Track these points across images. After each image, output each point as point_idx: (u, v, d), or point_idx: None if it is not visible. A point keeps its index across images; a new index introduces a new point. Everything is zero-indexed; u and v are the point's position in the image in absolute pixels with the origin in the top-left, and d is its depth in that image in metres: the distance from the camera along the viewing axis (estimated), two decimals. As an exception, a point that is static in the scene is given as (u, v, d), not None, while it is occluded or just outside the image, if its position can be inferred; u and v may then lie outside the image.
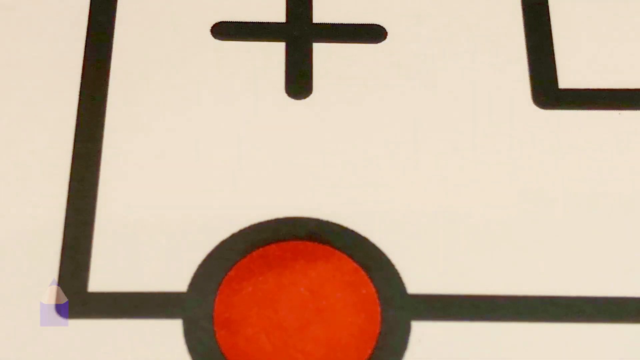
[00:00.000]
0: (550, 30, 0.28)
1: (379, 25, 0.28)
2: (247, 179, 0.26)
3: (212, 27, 0.28)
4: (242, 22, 0.28)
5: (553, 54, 0.28)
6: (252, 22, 0.28)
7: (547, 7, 0.29)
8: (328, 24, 0.28)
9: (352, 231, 0.25)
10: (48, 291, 0.24)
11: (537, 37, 0.28)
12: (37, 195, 0.25)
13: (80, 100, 0.27)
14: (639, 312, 0.24)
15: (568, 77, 0.27)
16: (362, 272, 0.24)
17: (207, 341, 0.24)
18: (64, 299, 0.24)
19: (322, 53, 0.28)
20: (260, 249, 0.25)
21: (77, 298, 0.24)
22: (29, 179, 0.26)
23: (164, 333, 0.24)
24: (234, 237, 0.25)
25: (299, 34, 0.28)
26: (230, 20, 0.28)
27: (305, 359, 0.23)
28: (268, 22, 0.28)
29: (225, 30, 0.28)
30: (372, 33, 0.28)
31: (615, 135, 0.27)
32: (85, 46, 0.28)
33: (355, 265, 0.25)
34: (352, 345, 0.24)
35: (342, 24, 0.28)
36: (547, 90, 0.27)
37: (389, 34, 0.28)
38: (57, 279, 0.24)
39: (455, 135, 0.26)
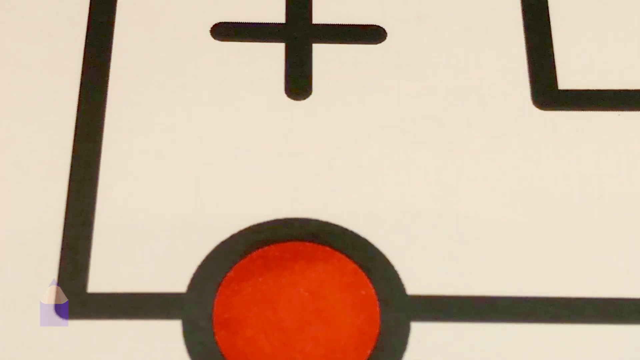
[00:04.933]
0: (550, 31, 0.28)
1: (378, 26, 0.28)
2: (246, 179, 0.26)
3: (212, 28, 0.28)
4: (241, 22, 0.28)
5: (553, 55, 0.28)
6: (252, 23, 0.28)
7: (547, 7, 0.29)
8: (328, 24, 0.28)
9: (352, 232, 0.25)
10: (48, 291, 0.24)
11: (537, 37, 0.28)
12: (37, 195, 0.25)
13: (80, 100, 0.27)
14: (639, 313, 0.24)
15: (568, 78, 0.27)
16: (362, 273, 0.24)
17: (206, 342, 0.24)
18: (64, 300, 0.24)
19: (322, 54, 0.28)
20: (260, 250, 0.25)
21: (76, 299, 0.24)
22: (29, 179, 0.26)
23: (164, 334, 0.24)
24: (233, 237, 0.25)
25: (298, 35, 0.28)
26: (230, 21, 0.28)
27: (305, 359, 0.24)
28: (268, 23, 0.28)
29: (225, 31, 0.28)
30: (372, 33, 0.28)
31: (615, 136, 0.27)
32: (85, 46, 0.28)
33: (354, 266, 0.25)
34: (352, 346, 0.24)
35: (341, 25, 0.28)
36: (546, 91, 0.27)
37: (388, 34, 0.28)
38: (57, 280, 0.24)
39: (454, 136, 0.26)
